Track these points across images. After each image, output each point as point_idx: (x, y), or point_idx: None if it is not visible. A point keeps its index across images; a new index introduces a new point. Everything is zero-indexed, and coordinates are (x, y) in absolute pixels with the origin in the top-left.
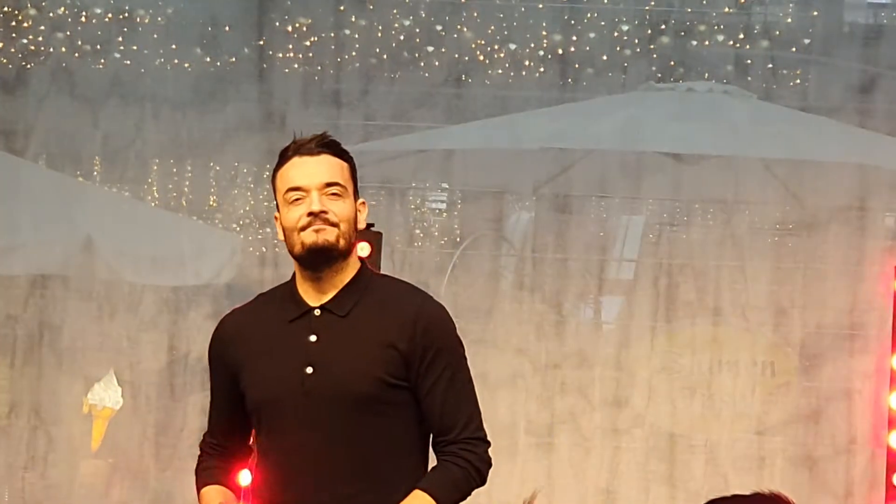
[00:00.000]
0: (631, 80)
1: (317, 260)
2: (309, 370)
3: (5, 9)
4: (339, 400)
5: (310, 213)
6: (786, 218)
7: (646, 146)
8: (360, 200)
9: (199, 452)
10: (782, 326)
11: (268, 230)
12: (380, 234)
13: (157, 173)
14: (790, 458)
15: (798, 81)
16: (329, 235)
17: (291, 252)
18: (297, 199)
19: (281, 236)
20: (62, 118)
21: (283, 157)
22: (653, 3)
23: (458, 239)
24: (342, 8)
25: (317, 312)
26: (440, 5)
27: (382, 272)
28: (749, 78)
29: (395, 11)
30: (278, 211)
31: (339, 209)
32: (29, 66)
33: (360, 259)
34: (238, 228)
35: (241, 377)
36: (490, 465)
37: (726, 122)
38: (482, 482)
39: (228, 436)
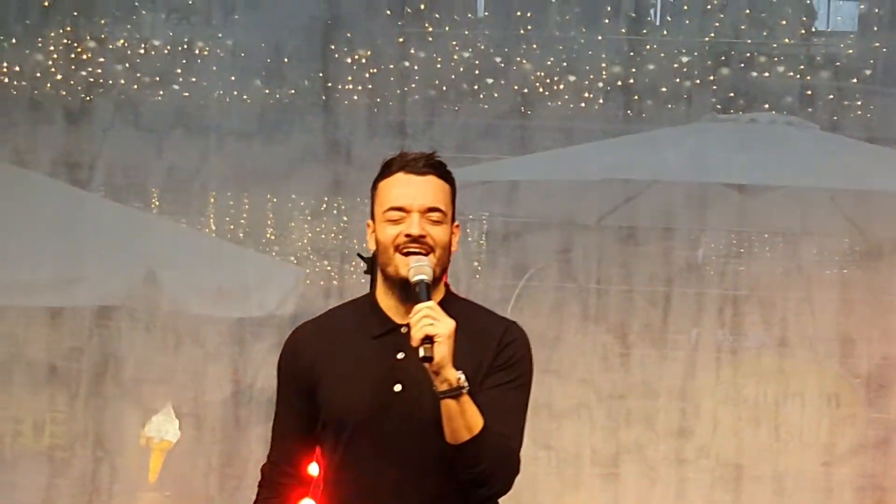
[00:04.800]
0: (693, 111)
1: (409, 289)
2: (398, 388)
3: (65, 41)
4: (427, 419)
5: (408, 235)
6: (851, 249)
7: (710, 177)
8: (455, 223)
9: (259, 479)
10: (848, 357)
11: (326, 262)
12: None
13: (214, 205)
14: (858, 488)
15: (861, 112)
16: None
17: (383, 269)
18: (396, 218)
19: (372, 247)
20: (126, 150)
21: (388, 169)
22: (713, 34)
23: (521, 270)
24: (402, 40)
25: (403, 330)
26: (500, 38)
27: None
28: (811, 109)
29: (454, 43)
30: (372, 219)
31: (438, 234)
32: (90, 97)
33: (445, 284)
34: (295, 261)
35: (318, 392)
36: (516, 473)
37: (790, 153)
38: (503, 479)
39: (294, 457)
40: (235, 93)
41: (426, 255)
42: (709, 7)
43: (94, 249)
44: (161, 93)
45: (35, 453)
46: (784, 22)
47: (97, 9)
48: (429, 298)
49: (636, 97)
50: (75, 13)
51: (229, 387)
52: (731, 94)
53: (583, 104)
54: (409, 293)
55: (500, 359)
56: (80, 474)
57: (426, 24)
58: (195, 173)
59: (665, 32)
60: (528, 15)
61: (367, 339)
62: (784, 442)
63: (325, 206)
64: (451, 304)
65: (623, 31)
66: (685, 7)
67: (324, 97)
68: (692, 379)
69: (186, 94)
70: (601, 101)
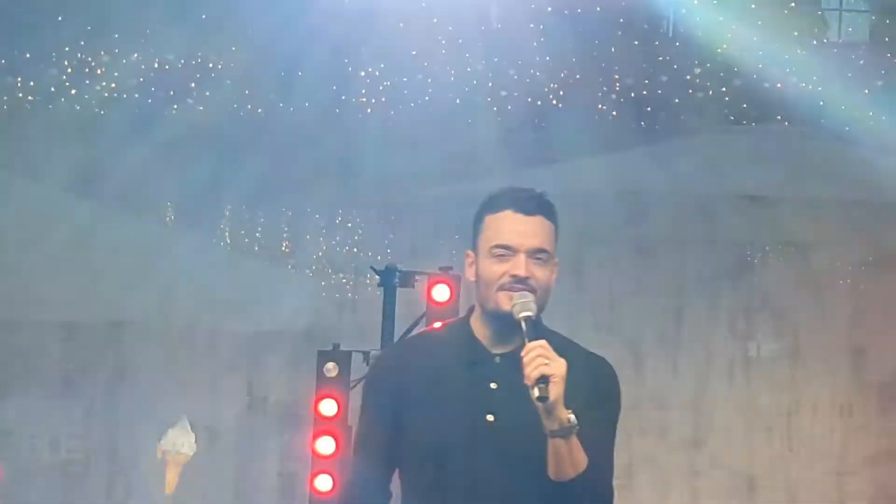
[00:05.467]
0: (706, 123)
1: (508, 323)
2: (490, 418)
3: (79, 55)
4: (518, 450)
5: (513, 275)
6: (863, 259)
7: (722, 188)
8: (555, 260)
9: (340, 498)
10: (861, 367)
11: (340, 275)
12: (458, 276)
13: (229, 219)
14: (870, 497)
15: (873, 123)
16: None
17: (483, 304)
18: (502, 255)
19: (471, 277)
20: (140, 164)
21: (496, 204)
22: (725, 45)
23: None
24: (415, 53)
25: (497, 359)
26: (513, 50)
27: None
28: (823, 120)
29: (468, 55)
30: (473, 250)
31: (541, 275)
32: (104, 111)
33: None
34: (310, 274)
35: (406, 414)
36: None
37: (802, 164)
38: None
39: (373, 478)
40: (249, 107)
41: (531, 293)
42: (721, 19)
43: (108, 264)
44: (175, 107)
45: (51, 467)
46: (796, 33)
47: (111, 23)
48: (536, 335)
49: (649, 109)
50: (89, 28)
51: (244, 400)
52: (744, 106)
53: (596, 115)
54: (507, 326)
55: (594, 395)
56: (95, 488)
57: (439, 37)
58: (210, 187)
59: (678, 44)
60: (541, 27)
61: (461, 366)
62: (797, 452)
63: (339, 219)
64: (548, 337)
65: (636, 42)
66: (698, 19)
67: (338, 111)
68: (705, 390)
69: (201, 108)
70: (614, 112)
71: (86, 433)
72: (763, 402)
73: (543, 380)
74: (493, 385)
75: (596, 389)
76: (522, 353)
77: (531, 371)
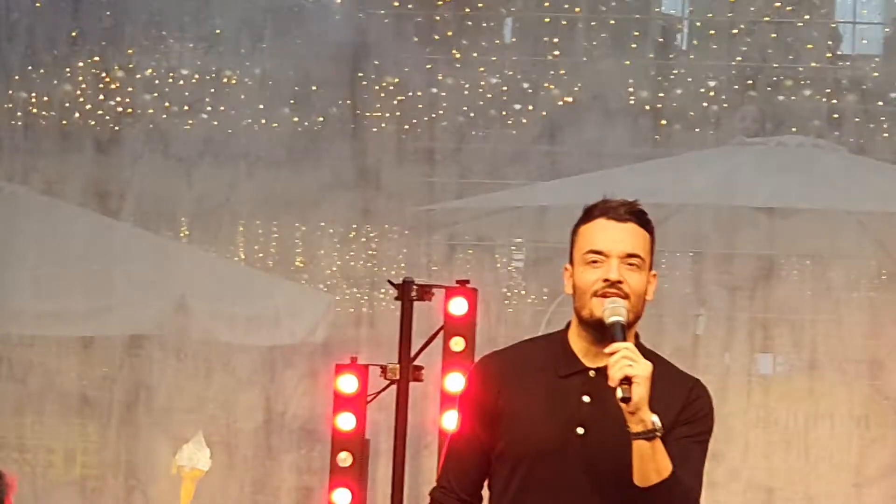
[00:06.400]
0: (721, 135)
1: (603, 331)
2: (580, 431)
3: (93, 70)
4: (607, 465)
5: (606, 280)
6: (880, 271)
7: (738, 200)
8: (653, 272)
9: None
10: (878, 379)
11: (355, 289)
12: (475, 290)
13: (244, 233)
14: None
15: (888, 134)
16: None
17: (578, 312)
18: (595, 262)
19: (569, 290)
20: (156, 178)
21: (589, 215)
22: (740, 58)
23: (546, 296)
24: (429, 66)
25: (591, 373)
26: (527, 63)
27: (479, 327)
28: (837, 132)
29: (482, 69)
30: (570, 263)
31: (635, 281)
32: (118, 127)
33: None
34: (325, 288)
35: (499, 424)
36: None
37: (818, 176)
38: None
39: (468, 484)
40: (264, 121)
41: (623, 298)
42: (735, 32)
43: (124, 279)
44: (190, 121)
45: (67, 483)
46: (810, 46)
47: (125, 38)
48: (625, 339)
49: (664, 121)
50: (103, 43)
51: (261, 415)
52: (759, 118)
53: (610, 129)
54: (602, 336)
55: (686, 413)
56: (112, 503)
57: (453, 51)
58: (225, 202)
59: (692, 57)
60: (556, 41)
61: (555, 377)
62: (814, 464)
63: (353, 233)
64: (646, 355)
65: (650, 55)
66: (711, 32)
67: (352, 125)
68: (723, 402)
69: (215, 122)
70: (629, 125)
71: (102, 448)
72: (781, 414)
73: (626, 381)
74: (585, 398)
75: (689, 407)
76: (606, 351)
77: (615, 372)
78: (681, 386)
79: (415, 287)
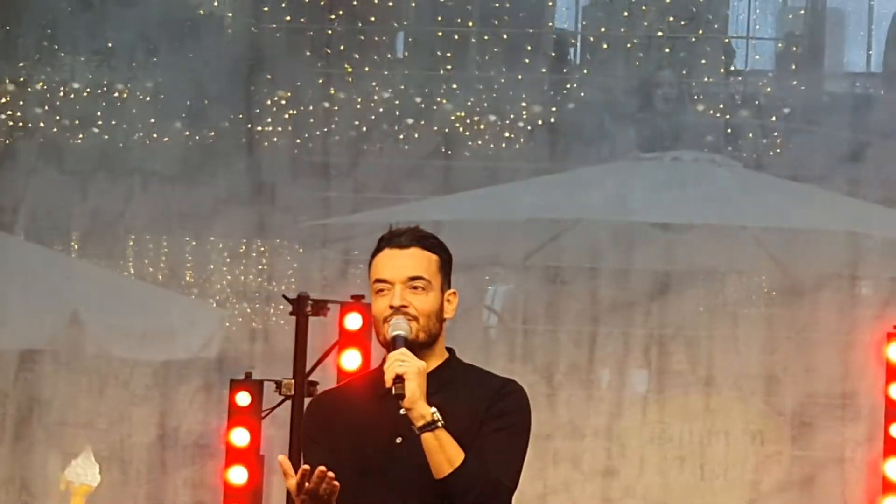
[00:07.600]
0: (617, 150)
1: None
2: (398, 440)
3: None
4: (425, 465)
5: (391, 307)
6: (776, 286)
7: (634, 216)
8: (451, 290)
9: None
10: (774, 395)
11: (246, 305)
12: (370, 304)
13: (133, 248)
14: None
15: (781, 150)
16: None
17: (378, 339)
18: (381, 290)
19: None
20: (49, 193)
21: (378, 246)
22: (633, 73)
23: None
24: (322, 81)
25: (394, 391)
26: (420, 78)
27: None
28: (731, 148)
29: (374, 84)
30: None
31: (420, 303)
32: (9, 141)
33: (449, 349)
34: (214, 304)
35: (335, 444)
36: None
37: (713, 191)
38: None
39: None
40: (156, 135)
41: (412, 320)
42: (629, 46)
43: (17, 293)
44: (82, 136)
45: None
46: (704, 61)
47: (16, 52)
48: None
49: (559, 136)
50: None
51: (155, 430)
52: (654, 133)
53: (505, 144)
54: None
55: (495, 408)
56: None
57: (346, 65)
58: (118, 216)
59: (586, 72)
60: (448, 55)
61: (375, 398)
62: (709, 480)
63: (243, 247)
64: (455, 368)
65: (543, 70)
66: (605, 46)
67: (245, 139)
68: (618, 418)
69: (107, 136)
70: (524, 140)
71: None
72: (675, 430)
73: (399, 379)
74: (402, 411)
75: (497, 403)
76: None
77: (388, 372)
78: (489, 387)
79: (310, 302)
